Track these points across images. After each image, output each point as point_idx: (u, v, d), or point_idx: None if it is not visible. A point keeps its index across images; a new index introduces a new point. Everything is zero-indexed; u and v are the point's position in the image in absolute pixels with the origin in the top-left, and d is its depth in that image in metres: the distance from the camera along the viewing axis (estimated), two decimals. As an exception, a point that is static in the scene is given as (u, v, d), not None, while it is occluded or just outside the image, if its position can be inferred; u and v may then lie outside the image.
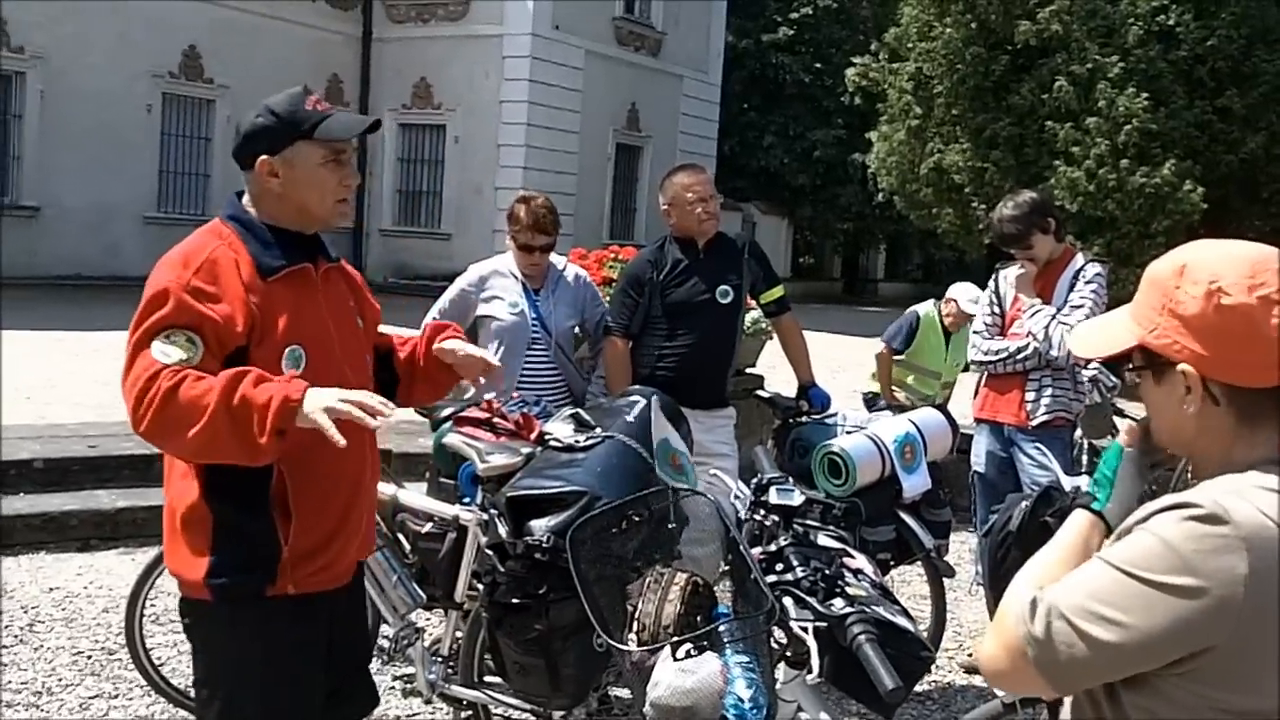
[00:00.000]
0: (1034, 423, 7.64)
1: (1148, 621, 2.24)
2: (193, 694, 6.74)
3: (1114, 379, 9.96)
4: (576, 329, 7.77)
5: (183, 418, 3.60)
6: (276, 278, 3.94)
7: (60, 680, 7.03)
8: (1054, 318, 7.50)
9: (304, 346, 3.93)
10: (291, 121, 3.98)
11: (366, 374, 4.25)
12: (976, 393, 8.12)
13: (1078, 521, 2.70)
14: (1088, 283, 7.60)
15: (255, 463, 3.68)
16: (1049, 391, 7.64)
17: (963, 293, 10.81)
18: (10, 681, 6.96)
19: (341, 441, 3.52)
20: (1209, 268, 2.42)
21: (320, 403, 3.56)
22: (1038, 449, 7.47)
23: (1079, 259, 7.78)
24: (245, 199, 4.10)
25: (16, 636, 7.62)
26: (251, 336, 3.83)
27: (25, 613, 8.03)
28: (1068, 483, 5.64)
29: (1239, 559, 2.20)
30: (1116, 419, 10.86)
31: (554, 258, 7.72)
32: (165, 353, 3.70)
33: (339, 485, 4.07)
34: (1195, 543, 2.23)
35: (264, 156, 3.98)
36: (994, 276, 8.05)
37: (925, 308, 11.07)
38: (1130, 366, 2.55)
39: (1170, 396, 2.49)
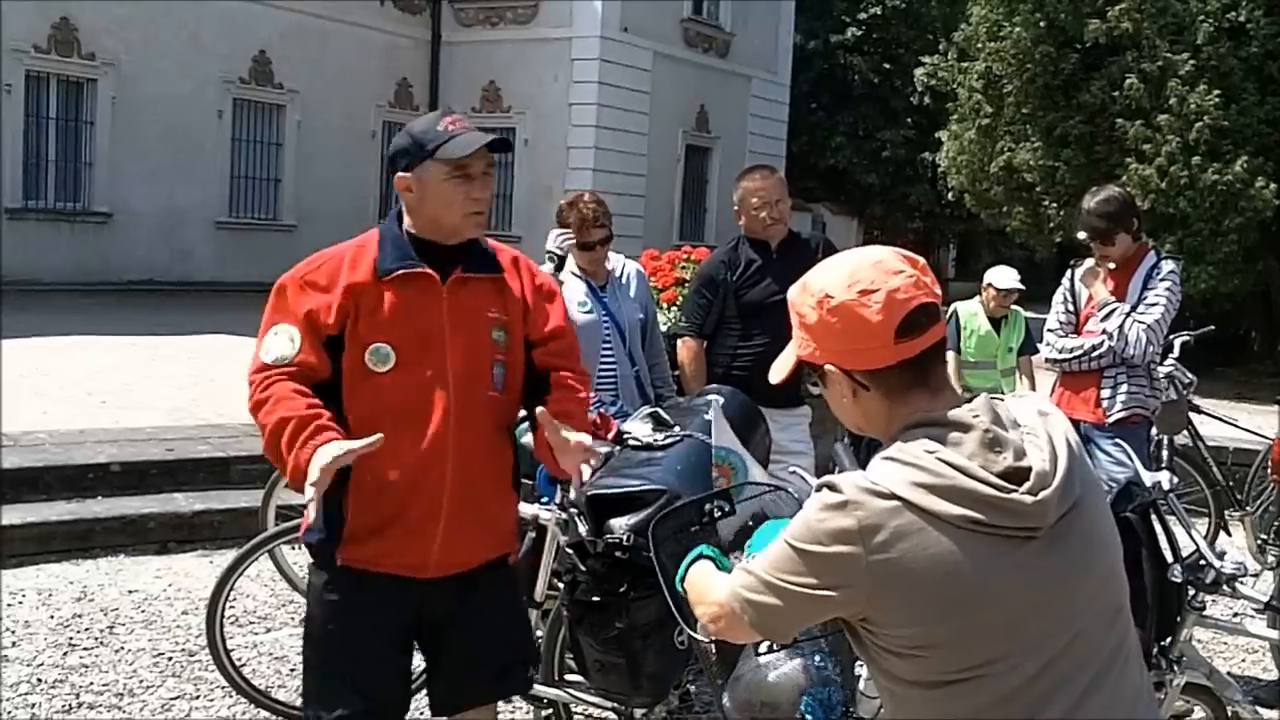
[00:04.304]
0: (1110, 419, 7.63)
1: (802, 578, 2.70)
2: (272, 694, 6.91)
3: (1190, 376, 9.91)
4: (642, 319, 7.79)
5: (259, 423, 4.18)
6: (390, 278, 4.31)
7: (142, 682, 7.10)
8: (1129, 315, 7.49)
9: (394, 346, 4.26)
10: (421, 142, 4.35)
11: (482, 382, 4.41)
12: (1052, 391, 8.09)
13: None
14: (1162, 280, 7.61)
15: None
16: (1124, 388, 7.64)
17: (997, 276, 10.89)
18: (92, 683, 7.03)
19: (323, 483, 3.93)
20: (819, 279, 2.84)
21: (318, 467, 3.92)
22: (1115, 445, 7.39)
23: (1152, 256, 7.78)
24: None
25: (97, 639, 7.69)
26: (344, 329, 4.23)
27: (105, 615, 8.11)
28: (1147, 478, 5.63)
29: (849, 519, 2.62)
30: (1192, 415, 10.84)
31: (611, 255, 7.74)
32: (267, 349, 4.24)
33: (396, 476, 4.29)
34: (818, 513, 2.68)
35: (400, 173, 4.39)
36: (1069, 274, 8.02)
37: (964, 304, 10.99)
38: (807, 378, 2.96)
39: (834, 393, 2.89)
